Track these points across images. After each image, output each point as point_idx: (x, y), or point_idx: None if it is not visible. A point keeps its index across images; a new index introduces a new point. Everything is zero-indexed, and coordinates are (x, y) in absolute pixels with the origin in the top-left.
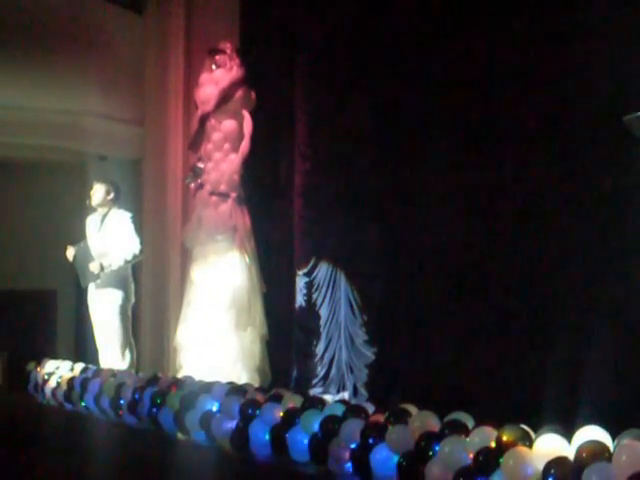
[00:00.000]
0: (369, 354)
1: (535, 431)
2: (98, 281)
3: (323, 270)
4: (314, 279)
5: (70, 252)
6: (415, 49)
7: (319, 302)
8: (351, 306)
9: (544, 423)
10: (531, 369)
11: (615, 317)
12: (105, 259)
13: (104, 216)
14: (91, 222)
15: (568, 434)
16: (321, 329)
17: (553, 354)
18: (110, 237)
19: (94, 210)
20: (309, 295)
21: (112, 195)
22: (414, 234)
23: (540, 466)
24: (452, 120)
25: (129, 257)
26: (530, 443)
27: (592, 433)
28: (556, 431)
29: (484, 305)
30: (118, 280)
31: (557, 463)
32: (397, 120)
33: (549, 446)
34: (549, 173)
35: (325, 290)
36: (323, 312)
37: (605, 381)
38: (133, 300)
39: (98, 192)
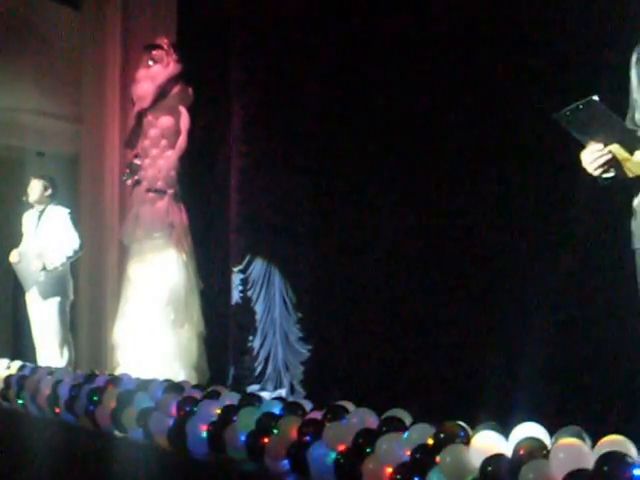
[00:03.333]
0: (304, 351)
1: (472, 428)
2: (41, 281)
3: (258, 267)
4: (249, 276)
5: (14, 255)
6: (351, 39)
7: (254, 299)
8: (285, 303)
9: (481, 420)
10: (468, 366)
11: (551, 313)
12: (45, 257)
13: (41, 213)
14: (28, 219)
15: (506, 431)
16: (257, 326)
17: (490, 350)
18: (48, 234)
19: (31, 207)
20: (244, 292)
21: (50, 191)
22: (347, 231)
23: (477, 463)
24: (391, 111)
25: (70, 253)
26: (467, 440)
27: (530, 430)
28: (493, 428)
29: (418, 300)
30: (56, 278)
31: (494, 460)
32: (334, 116)
33: (486, 443)
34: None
35: (260, 287)
36: (258, 309)
37: (543, 377)
38: (71, 297)
39: (35, 188)
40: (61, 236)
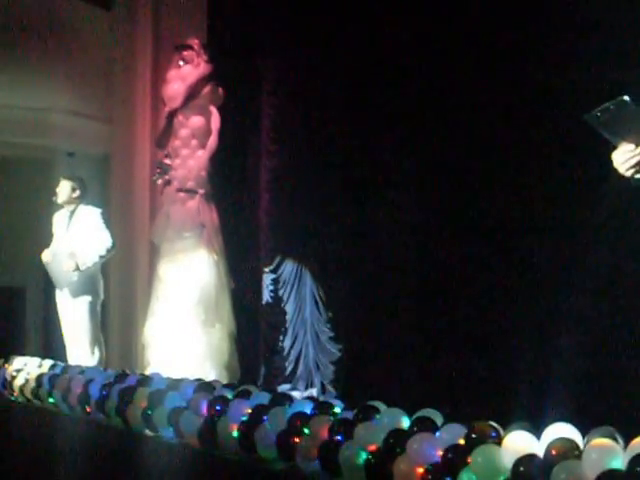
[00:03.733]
0: (335, 351)
1: (504, 428)
2: (74, 281)
3: (289, 267)
4: (280, 275)
5: (46, 255)
6: (382, 41)
7: (285, 298)
8: (316, 303)
9: (513, 420)
10: (500, 366)
11: (584, 312)
12: (78, 257)
13: (72, 213)
14: (59, 219)
15: (537, 431)
16: (287, 326)
17: (522, 351)
18: (80, 234)
19: (61, 207)
20: (275, 292)
21: (78, 192)
22: (380, 230)
23: (509, 463)
24: (426, 115)
25: (103, 252)
26: (499, 440)
27: (562, 430)
28: (525, 428)
29: (451, 301)
30: (87, 278)
31: (526, 460)
32: (365, 115)
33: (518, 443)
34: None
35: (291, 287)
36: (289, 308)
37: (575, 377)
38: (102, 297)
39: (63, 189)
40: (93, 236)
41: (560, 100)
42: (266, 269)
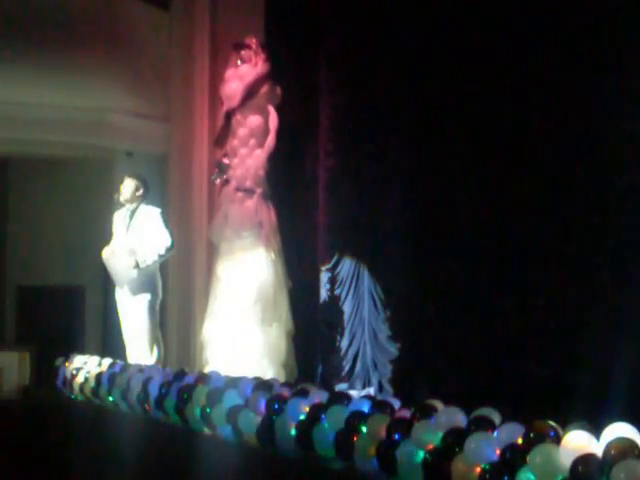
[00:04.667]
0: (393, 350)
1: (563, 427)
2: (133, 279)
3: (347, 265)
4: (338, 274)
5: (106, 252)
6: (442, 43)
7: (343, 297)
8: (374, 301)
9: (572, 420)
10: (559, 366)
11: None
12: (138, 255)
13: (133, 212)
14: (119, 218)
15: (596, 431)
16: (345, 324)
17: (581, 351)
18: (140, 233)
19: (122, 205)
20: (332, 290)
21: (141, 191)
22: (437, 228)
23: (568, 463)
24: (484, 108)
25: (162, 251)
26: (558, 439)
27: (621, 430)
28: (584, 428)
29: (511, 301)
30: (147, 276)
31: (585, 460)
32: (424, 113)
33: (577, 443)
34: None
35: (349, 285)
36: (347, 307)
37: (635, 377)
38: (161, 296)
39: (127, 188)
40: (153, 235)
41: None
42: (324, 268)
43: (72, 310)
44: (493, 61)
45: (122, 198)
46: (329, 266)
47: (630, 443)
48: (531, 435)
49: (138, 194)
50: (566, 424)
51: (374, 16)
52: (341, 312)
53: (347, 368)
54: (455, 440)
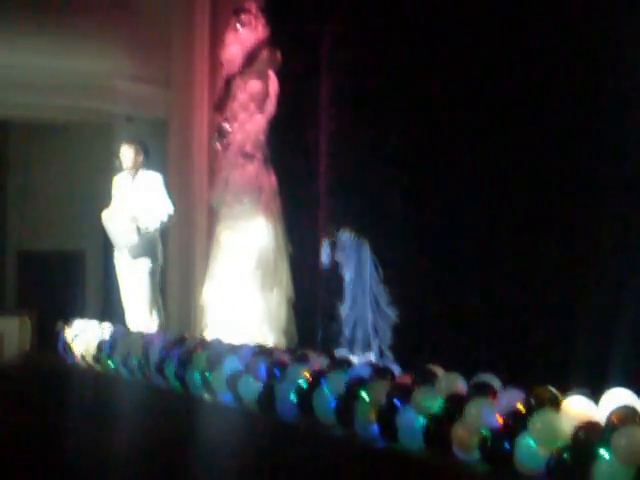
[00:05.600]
0: (393, 315)
1: (563, 393)
2: (133, 244)
3: (348, 231)
4: (339, 240)
5: (106, 216)
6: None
7: (344, 263)
8: (375, 267)
9: (572, 385)
10: (559, 331)
11: None
12: (139, 220)
13: (133, 177)
14: (120, 182)
15: (596, 396)
16: (345, 290)
17: (582, 316)
18: (142, 199)
19: (122, 170)
20: (333, 256)
21: (141, 156)
22: (441, 195)
23: (568, 428)
24: (488, 85)
25: (164, 218)
26: (558, 405)
27: (620, 396)
28: (584, 393)
29: (511, 266)
30: (147, 241)
31: (587, 426)
32: (429, 82)
33: (577, 408)
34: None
35: (350, 251)
36: (347, 273)
37: (634, 343)
38: (161, 261)
39: (127, 153)
40: (155, 201)
41: None
42: (325, 233)
43: (72, 275)
44: (500, 27)
45: (123, 165)
46: (330, 232)
47: (631, 409)
48: (531, 401)
49: (138, 160)
50: (566, 390)
51: None
52: (342, 278)
53: (347, 334)
54: (455, 406)
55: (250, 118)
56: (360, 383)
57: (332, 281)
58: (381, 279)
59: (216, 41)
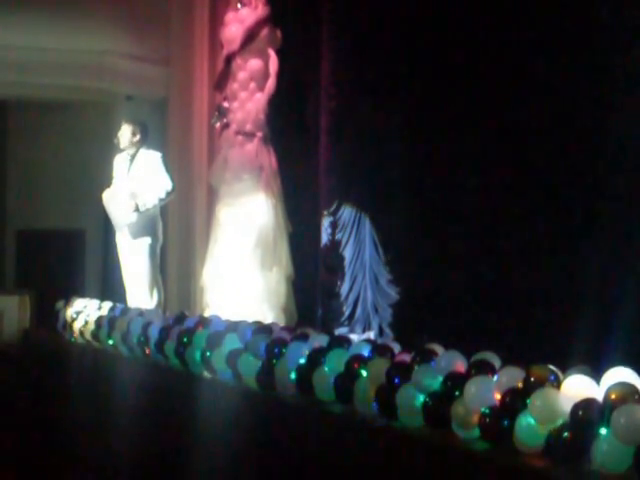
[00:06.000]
0: (393, 294)
1: (563, 372)
2: (133, 222)
3: (348, 210)
4: (339, 219)
5: (106, 195)
6: None
7: (344, 242)
8: (375, 246)
9: (572, 364)
10: (559, 310)
11: None
12: (138, 198)
13: (133, 156)
14: (119, 162)
15: (597, 375)
16: (346, 269)
17: (581, 296)
18: (141, 177)
19: (122, 150)
20: (334, 235)
21: (139, 136)
22: (440, 173)
23: (568, 407)
24: (489, 64)
25: (162, 195)
26: (558, 384)
27: (621, 374)
28: (584, 372)
29: (510, 244)
30: (147, 220)
31: (585, 404)
32: (426, 61)
33: (577, 387)
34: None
35: (350, 230)
36: (348, 252)
37: (634, 322)
38: (161, 240)
39: (125, 133)
40: (153, 179)
41: None
42: (325, 212)
43: (72, 254)
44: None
45: (121, 145)
46: (330, 210)
47: (630, 388)
48: (531, 379)
49: (135, 139)
50: (566, 368)
51: None
52: (342, 257)
53: (347, 312)
54: (455, 384)
55: (250, 97)
56: (360, 361)
57: (332, 260)
58: (381, 258)
59: (216, 20)
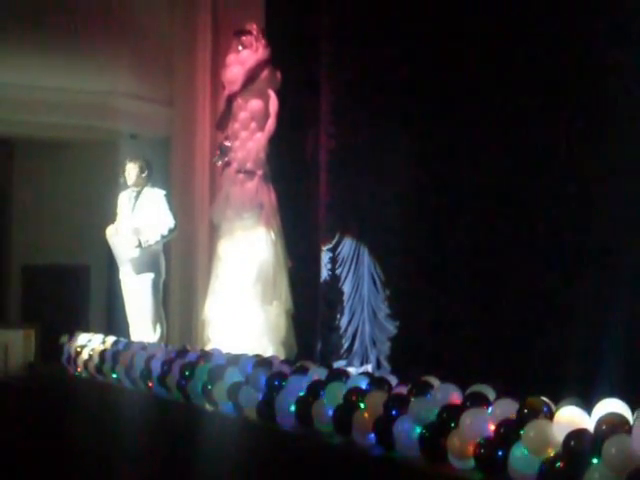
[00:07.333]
0: (391, 328)
1: (556, 403)
2: (136, 258)
3: (347, 245)
4: (338, 254)
5: (110, 231)
6: (444, 26)
7: (343, 277)
8: (374, 281)
9: (565, 396)
10: (552, 343)
11: (635, 292)
12: (141, 234)
13: (138, 194)
14: (124, 199)
15: (588, 407)
16: (345, 303)
17: (573, 328)
18: (145, 214)
19: (127, 187)
20: (333, 270)
21: (145, 173)
22: (439, 210)
23: (561, 438)
24: (486, 95)
25: (165, 232)
26: (551, 415)
27: (612, 406)
28: (576, 403)
29: (506, 279)
30: (150, 256)
31: (577, 435)
32: (424, 96)
33: (570, 418)
34: None
35: (349, 265)
36: (347, 287)
37: (626, 354)
38: (164, 275)
39: (132, 170)
40: (157, 216)
41: None
42: (324, 247)
43: (77, 289)
44: (495, 36)
45: (128, 182)
46: (330, 246)
47: (621, 418)
48: (525, 411)
49: (143, 176)
50: (559, 400)
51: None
52: (341, 291)
53: (346, 346)
54: (451, 416)
55: (251, 136)
56: (358, 393)
57: (332, 294)
58: (379, 292)
59: (218, 61)
